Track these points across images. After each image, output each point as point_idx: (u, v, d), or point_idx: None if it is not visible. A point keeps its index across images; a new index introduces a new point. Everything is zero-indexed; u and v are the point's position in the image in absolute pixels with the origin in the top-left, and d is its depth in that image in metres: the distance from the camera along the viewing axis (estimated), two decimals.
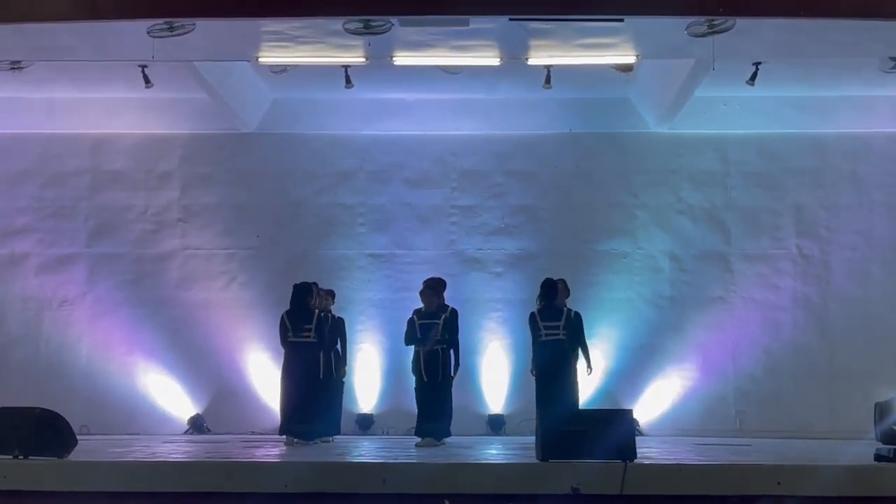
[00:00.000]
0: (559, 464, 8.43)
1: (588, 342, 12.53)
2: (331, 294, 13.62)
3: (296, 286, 12.50)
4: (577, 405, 12.00)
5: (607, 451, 8.43)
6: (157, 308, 15.65)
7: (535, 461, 8.77)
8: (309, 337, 12.27)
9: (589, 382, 14.26)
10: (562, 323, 12.31)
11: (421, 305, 12.45)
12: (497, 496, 8.16)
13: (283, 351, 12.42)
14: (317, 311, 12.54)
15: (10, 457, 8.57)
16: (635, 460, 8.43)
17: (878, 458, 8.77)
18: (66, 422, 9.06)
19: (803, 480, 8.02)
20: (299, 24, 11.87)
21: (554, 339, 12.27)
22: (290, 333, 12.25)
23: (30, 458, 8.58)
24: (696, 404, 15.16)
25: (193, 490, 8.30)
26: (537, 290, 13.11)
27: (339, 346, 13.36)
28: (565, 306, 12.46)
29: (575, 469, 8.28)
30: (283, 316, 12.37)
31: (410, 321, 12.43)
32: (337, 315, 13.62)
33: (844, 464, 8.55)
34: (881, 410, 9.18)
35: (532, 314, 12.41)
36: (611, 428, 8.67)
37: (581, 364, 12.39)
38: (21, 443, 8.61)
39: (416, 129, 15.76)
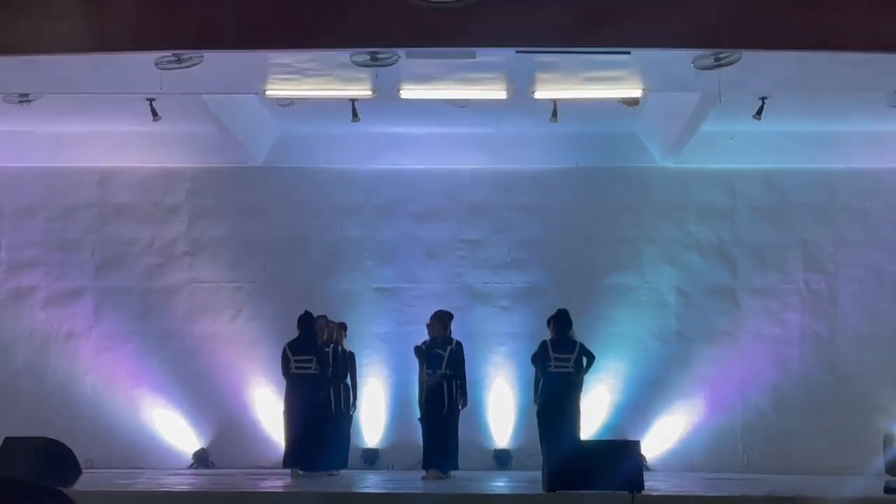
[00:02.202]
0: (566, 495, 8.39)
1: (589, 375, 12.60)
2: (342, 327, 13.64)
3: (301, 317, 12.55)
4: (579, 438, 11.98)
5: (614, 483, 8.40)
6: (163, 341, 15.64)
7: (542, 493, 8.73)
8: (310, 369, 12.27)
9: (594, 418, 14.28)
10: (573, 356, 12.33)
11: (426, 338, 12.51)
12: None
13: (276, 376, 12.47)
14: (322, 342, 12.57)
15: None
16: (643, 492, 8.40)
17: (888, 490, 8.72)
18: (71, 452, 9.06)
19: None
20: (307, 57, 11.93)
21: (563, 371, 12.28)
22: (292, 364, 12.27)
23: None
24: (703, 439, 15.09)
25: None
26: (544, 324, 13.14)
27: (349, 381, 13.37)
28: (576, 339, 12.47)
29: (581, 500, 8.26)
30: (285, 347, 12.41)
31: (420, 349, 12.51)
32: (349, 349, 13.64)
33: (853, 496, 8.49)
34: (888, 442, 9.14)
35: (543, 343, 12.42)
36: (618, 459, 8.65)
37: (584, 397, 12.46)
38: (25, 472, 8.58)
39: (423, 163, 15.79)
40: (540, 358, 12.52)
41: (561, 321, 12.60)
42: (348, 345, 13.74)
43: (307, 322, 12.56)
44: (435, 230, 15.85)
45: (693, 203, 15.73)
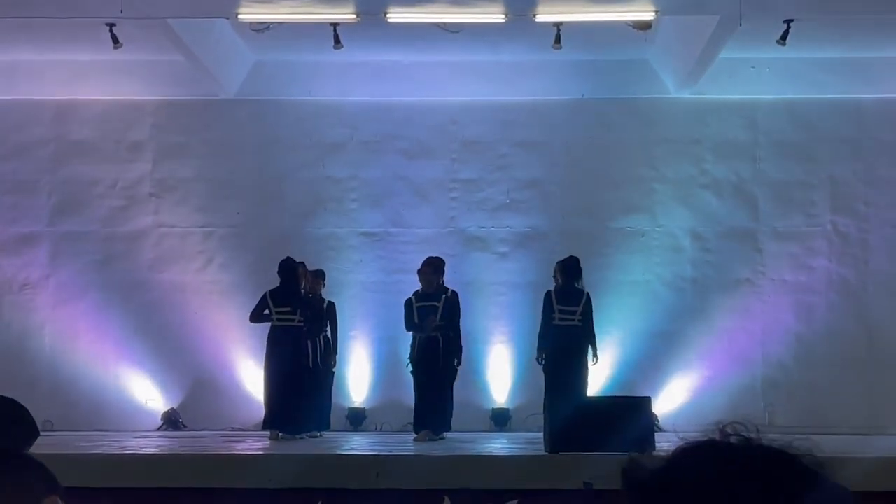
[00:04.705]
0: (570, 456, 8.46)
1: (596, 328, 12.66)
2: (320, 275, 13.70)
3: (282, 263, 12.61)
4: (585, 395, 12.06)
5: (623, 443, 8.45)
6: (127, 292, 15.64)
7: (544, 454, 8.80)
8: (293, 321, 12.33)
9: (602, 373, 14.35)
10: (580, 308, 12.37)
11: (418, 287, 12.55)
12: (501, 492, 8.18)
13: (254, 329, 12.54)
14: (304, 292, 12.65)
15: None
16: (654, 452, 8.45)
17: None
18: (27, 411, 9.07)
19: (836, 474, 8.01)
20: None
21: (568, 324, 12.33)
22: (273, 316, 12.35)
23: None
24: (720, 396, 15.14)
25: (166, 486, 8.33)
26: (547, 272, 13.19)
27: (329, 333, 13.46)
28: (584, 289, 12.54)
29: (587, 462, 8.31)
30: (266, 293, 12.49)
31: (408, 303, 12.55)
32: (328, 299, 13.72)
33: (882, 456, 8.56)
34: None
35: (547, 293, 12.48)
36: (626, 417, 8.72)
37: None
38: None
39: (413, 95, 15.74)
40: (544, 310, 12.57)
41: (568, 270, 12.62)
42: (328, 294, 13.81)
43: (291, 269, 12.60)
44: (426, 169, 15.84)
45: (710, 138, 15.72)
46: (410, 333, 12.78)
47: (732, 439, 1.76)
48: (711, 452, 1.73)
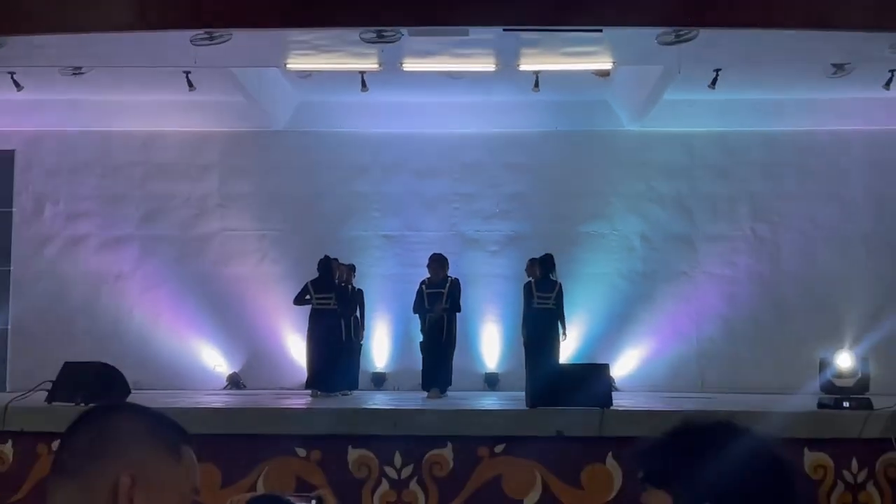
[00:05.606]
0: (545, 410, 8.48)
1: (566, 311, 12.71)
2: (352, 268, 13.75)
3: (321, 260, 12.66)
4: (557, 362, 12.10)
5: (587, 400, 8.48)
6: (198, 282, 15.65)
7: (525, 408, 8.82)
8: (329, 304, 12.39)
9: (571, 346, 14.36)
10: (553, 295, 12.45)
11: (427, 277, 12.60)
12: (492, 437, 8.21)
13: (298, 310, 12.63)
14: (338, 282, 12.70)
15: (74, 404, 8.62)
16: (611, 407, 8.48)
17: (821, 405, 8.82)
18: (122, 374, 9.13)
19: (755, 424, 8.02)
20: (322, 35, 11.88)
21: (544, 307, 12.41)
22: (313, 301, 12.41)
23: (90, 404, 8.59)
24: (664, 365, 15.17)
25: (230, 433, 8.36)
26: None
27: (358, 314, 13.50)
28: (557, 279, 12.61)
29: (559, 415, 8.34)
30: (307, 283, 12.54)
31: (419, 290, 12.59)
32: (357, 287, 13.76)
33: (789, 412, 8.58)
34: (822, 365, 9.24)
35: (528, 283, 12.56)
36: (590, 379, 8.73)
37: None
38: (83, 392, 8.67)
39: (424, 128, 15.75)
40: (525, 297, 12.65)
41: (545, 264, 12.71)
42: (357, 283, 13.85)
43: (327, 265, 12.67)
44: (433, 185, 15.84)
45: (656, 162, 15.71)
46: (421, 313, 12.79)
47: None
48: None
